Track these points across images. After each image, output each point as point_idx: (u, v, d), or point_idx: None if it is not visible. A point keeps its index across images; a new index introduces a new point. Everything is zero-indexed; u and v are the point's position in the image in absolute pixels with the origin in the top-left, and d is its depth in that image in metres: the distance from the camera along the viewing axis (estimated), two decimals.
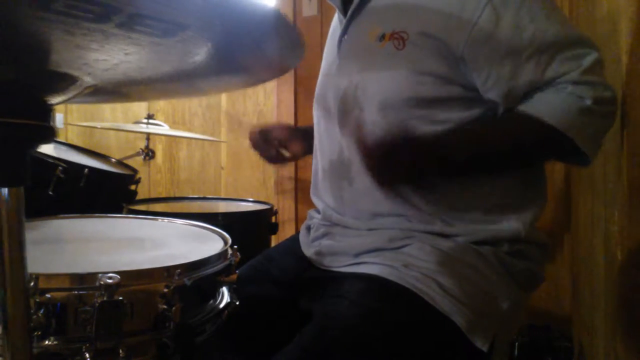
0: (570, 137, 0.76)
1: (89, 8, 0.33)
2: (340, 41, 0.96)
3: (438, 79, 0.82)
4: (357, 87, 0.90)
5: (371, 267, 0.84)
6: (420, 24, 0.82)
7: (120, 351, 0.61)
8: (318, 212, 1.06)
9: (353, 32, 0.94)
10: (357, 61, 0.92)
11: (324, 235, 0.98)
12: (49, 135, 0.46)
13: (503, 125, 0.83)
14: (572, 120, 0.76)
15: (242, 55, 0.49)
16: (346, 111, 0.93)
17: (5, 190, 0.44)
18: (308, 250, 0.99)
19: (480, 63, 0.80)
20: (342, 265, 0.90)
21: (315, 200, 1.07)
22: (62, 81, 0.45)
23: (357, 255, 0.88)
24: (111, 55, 0.41)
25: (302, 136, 1.15)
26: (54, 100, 0.47)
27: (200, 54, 0.44)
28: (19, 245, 0.45)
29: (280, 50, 0.50)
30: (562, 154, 0.85)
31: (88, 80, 0.47)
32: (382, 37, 0.86)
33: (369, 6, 0.92)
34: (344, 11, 0.96)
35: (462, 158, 0.81)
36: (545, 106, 0.78)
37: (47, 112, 0.46)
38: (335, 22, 1.05)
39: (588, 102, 0.76)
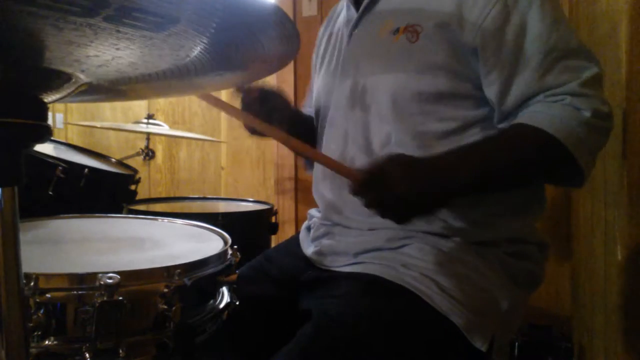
0: (568, 148, 0.74)
1: (75, 1, 0.33)
2: (350, 35, 0.97)
3: (449, 74, 0.83)
4: (366, 81, 0.91)
5: (370, 267, 0.84)
6: (435, 15, 0.83)
7: (120, 351, 0.61)
8: (318, 211, 1.06)
9: (365, 26, 0.94)
10: (368, 55, 0.93)
11: (325, 234, 0.98)
12: (45, 134, 0.45)
13: (502, 137, 0.81)
14: (571, 131, 0.75)
15: (237, 48, 0.48)
16: (353, 105, 0.93)
17: None
18: (308, 250, 0.99)
19: (487, 54, 0.80)
20: (342, 265, 0.90)
21: (316, 197, 1.07)
22: (56, 79, 0.45)
23: (357, 255, 0.88)
24: (102, 51, 0.41)
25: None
26: (48, 98, 0.46)
27: (194, 49, 0.44)
28: (14, 246, 0.44)
29: (275, 41, 0.50)
30: (558, 165, 0.81)
31: (82, 77, 0.47)
32: (396, 31, 0.87)
33: (382, 1, 0.92)
34: (356, 5, 0.97)
35: (465, 177, 0.78)
36: (544, 116, 0.77)
37: (42, 110, 0.45)
38: (341, 21, 1.04)
39: (586, 114, 0.75)
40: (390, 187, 0.74)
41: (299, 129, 1.08)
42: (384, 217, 0.77)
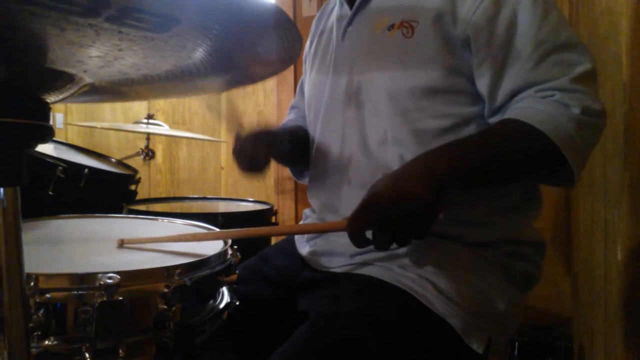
0: (555, 143, 0.73)
1: (77, 1, 0.33)
2: (344, 32, 0.96)
3: (444, 68, 0.82)
4: (361, 78, 0.91)
5: (367, 268, 0.84)
6: (430, 10, 0.83)
7: (120, 351, 0.61)
8: (313, 211, 1.06)
9: (359, 23, 0.94)
10: (363, 51, 0.92)
11: (320, 235, 0.97)
12: (47, 134, 0.45)
13: (489, 132, 0.81)
14: (558, 126, 0.73)
15: (239, 49, 0.49)
16: (349, 103, 0.93)
17: (1, 190, 0.44)
18: (304, 250, 0.98)
19: (478, 47, 0.80)
20: (338, 266, 0.89)
21: (310, 198, 1.06)
22: (59, 79, 0.45)
23: (353, 256, 0.87)
24: (104, 52, 0.41)
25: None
26: (51, 98, 0.47)
27: (196, 50, 0.44)
28: (16, 246, 0.44)
29: (277, 42, 0.50)
30: (546, 161, 0.79)
31: (84, 78, 0.47)
32: (391, 27, 0.87)
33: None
34: (349, 2, 0.97)
35: (450, 170, 0.74)
36: (532, 112, 0.76)
37: (45, 110, 0.46)
38: (334, 17, 1.04)
39: (575, 110, 0.74)
40: (384, 211, 0.70)
41: (297, 154, 1.09)
42: (404, 244, 0.72)
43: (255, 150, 0.96)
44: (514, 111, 0.78)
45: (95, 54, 0.42)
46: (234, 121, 0.98)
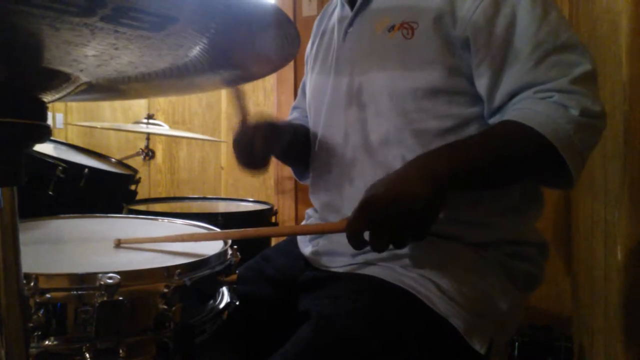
0: (554, 145, 0.73)
1: (72, 1, 0.33)
2: (345, 33, 0.97)
3: (444, 69, 0.82)
4: (363, 79, 0.91)
5: (369, 268, 0.84)
6: (430, 11, 0.83)
7: (120, 351, 0.61)
8: (316, 211, 1.06)
9: (360, 24, 0.94)
10: (364, 52, 0.92)
11: (322, 234, 0.97)
12: (44, 134, 0.45)
13: (487, 134, 0.80)
14: (557, 128, 0.73)
15: (237, 48, 0.48)
16: (350, 104, 0.93)
17: None
18: (306, 250, 0.98)
19: (477, 47, 0.80)
20: (340, 266, 0.89)
21: (312, 199, 1.06)
22: (55, 79, 0.45)
23: (355, 255, 0.87)
24: (100, 51, 0.41)
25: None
26: (48, 98, 0.46)
27: (193, 49, 0.44)
28: (13, 246, 0.44)
29: (276, 41, 0.50)
30: (545, 163, 0.78)
31: (81, 77, 0.47)
32: (392, 28, 0.87)
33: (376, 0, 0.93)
34: (350, 3, 0.97)
35: (449, 171, 0.73)
36: (530, 113, 0.75)
37: (42, 110, 0.46)
38: (335, 18, 1.04)
39: (574, 112, 0.74)
40: (383, 211, 0.68)
41: (297, 151, 1.09)
42: (401, 245, 0.71)
43: (252, 140, 0.92)
44: (512, 112, 0.78)
45: (92, 53, 0.41)
46: (240, 109, 0.95)
